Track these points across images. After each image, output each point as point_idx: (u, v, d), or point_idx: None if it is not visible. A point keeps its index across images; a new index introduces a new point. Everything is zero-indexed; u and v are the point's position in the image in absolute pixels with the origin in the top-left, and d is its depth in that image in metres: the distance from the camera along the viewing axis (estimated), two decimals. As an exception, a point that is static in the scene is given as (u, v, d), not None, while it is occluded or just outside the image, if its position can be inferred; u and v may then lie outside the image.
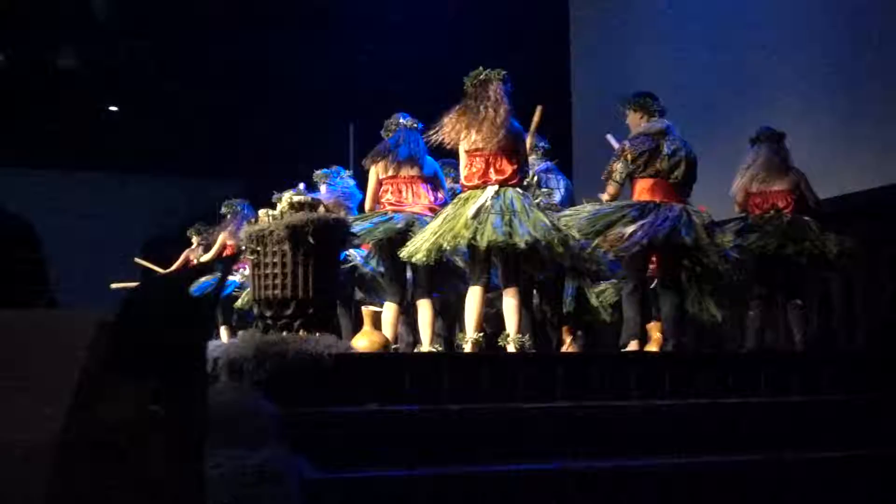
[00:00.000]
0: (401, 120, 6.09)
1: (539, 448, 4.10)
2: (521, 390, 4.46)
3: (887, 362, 5.48)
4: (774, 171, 6.38)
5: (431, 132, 5.51)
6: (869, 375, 5.27)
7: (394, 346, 5.78)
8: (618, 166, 5.69)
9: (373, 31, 10.34)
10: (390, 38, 10.31)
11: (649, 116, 5.82)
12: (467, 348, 5.27)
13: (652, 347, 6.51)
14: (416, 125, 6.08)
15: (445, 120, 5.45)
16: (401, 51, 10.33)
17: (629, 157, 5.68)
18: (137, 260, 9.72)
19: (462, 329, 6.04)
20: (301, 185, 7.11)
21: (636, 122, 5.85)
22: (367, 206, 6.14)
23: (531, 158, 6.34)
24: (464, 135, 5.38)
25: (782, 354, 6.04)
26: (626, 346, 5.62)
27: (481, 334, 5.36)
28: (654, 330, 6.71)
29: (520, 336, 5.31)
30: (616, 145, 6.10)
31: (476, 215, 5.17)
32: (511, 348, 5.27)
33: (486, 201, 5.22)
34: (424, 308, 5.77)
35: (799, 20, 8.31)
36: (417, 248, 5.29)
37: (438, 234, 5.24)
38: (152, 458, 1.68)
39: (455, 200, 5.45)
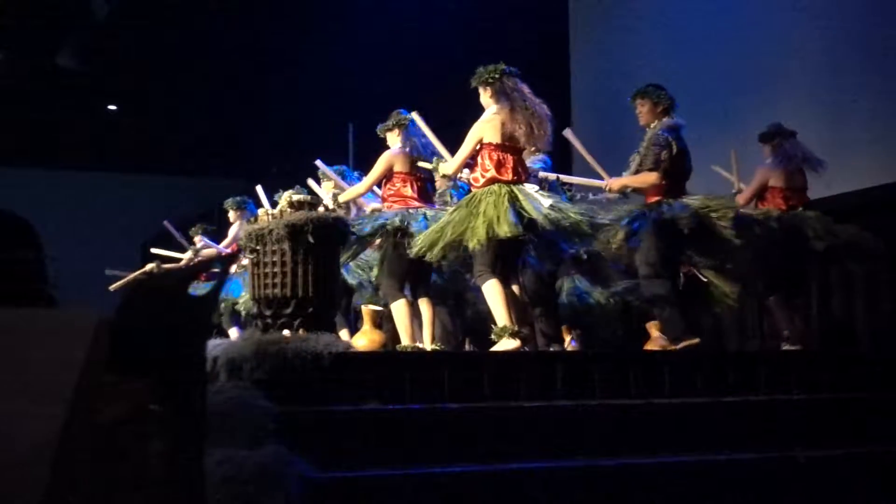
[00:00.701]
0: (405, 115, 6.09)
1: (540, 446, 4.10)
2: (522, 389, 4.45)
3: (888, 361, 5.49)
4: (804, 168, 6.36)
5: (491, 127, 5.28)
6: (870, 374, 5.27)
7: (418, 344, 5.71)
8: (666, 155, 5.55)
9: (373, 31, 10.33)
10: (390, 38, 10.31)
11: (670, 112, 5.69)
12: (513, 344, 5.05)
13: (652, 346, 6.51)
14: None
15: (505, 117, 5.24)
16: (401, 51, 10.33)
17: (674, 149, 5.56)
18: (109, 272, 9.53)
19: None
20: (258, 188, 7.17)
21: (654, 115, 5.66)
22: (363, 189, 6.12)
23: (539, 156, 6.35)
24: (512, 130, 5.24)
25: (783, 353, 6.03)
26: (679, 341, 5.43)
27: (524, 329, 5.25)
28: (653, 328, 6.71)
29: (508, 325, 5.27)
30: (575, 141, 5.90)
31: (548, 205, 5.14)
32: (506, 343, 5.23)
33: (540, 191, 5.23)
34: (425, 307, 5.76)
35: (801, 16, 8.30)
36: (470, 236, 5.06)
37: (490, 221, 5.04)
38: (151, 458, 1.68)
39: (489, 192, 5.17)
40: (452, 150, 5.57)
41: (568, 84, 11.19)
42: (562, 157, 7.01)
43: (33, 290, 1.92)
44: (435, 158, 5.72)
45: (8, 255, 1.91)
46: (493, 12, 10.33)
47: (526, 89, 5.35)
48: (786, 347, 6.16)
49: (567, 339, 7.32)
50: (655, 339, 6.54)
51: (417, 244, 5.28)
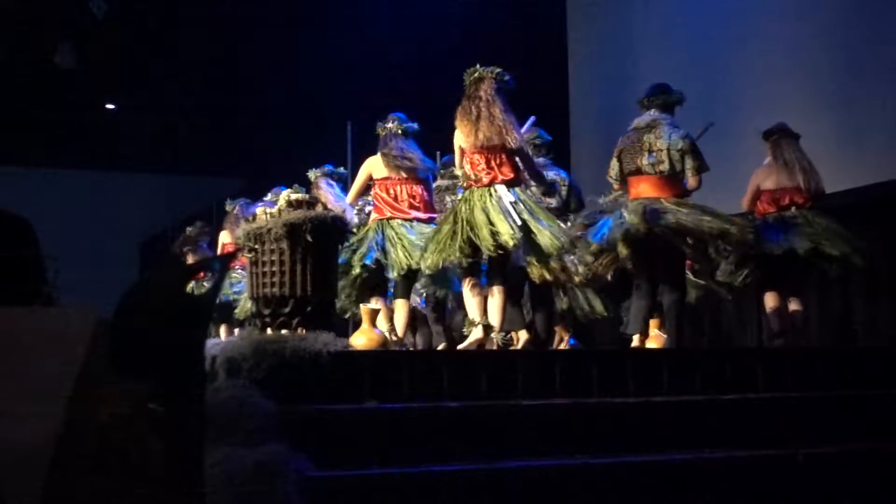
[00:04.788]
0: (388, 125, 6.14)
1: (538, 445, 4.11)
2: (520, 387, 4.46)
3: (887, 358, 5.49)
4: (791, 168, 6.36)
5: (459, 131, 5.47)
6: (869, 372, 5.27)
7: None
8: None
9: (372, 31, 10.33)
10: (390, 38, 10.31)
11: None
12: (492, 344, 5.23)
13: (651, 343, 6.51)
14: (402, 126, 6.10)
15: (460, 120, 5.44)
16: (401, 50, 10.33)
17: None
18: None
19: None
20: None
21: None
22: (349, 199, 6.42)
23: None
24: (466, 134, 5.37)
25: (781, 350, 6.03)
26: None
27: (507, 335, 5.39)
28: (653, 326, 6.71)
29: (502, 334, 5.31)
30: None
31: (510, 215, 5.18)
32: (493, 345, 5.26)
33: (513, 200, 5.24)
34: (401, 308, 5.96)
35: (803, 15, 8.29)
36: (441, 251, 5.27)
37: (461, 234, 5.21)
38: (151, 457, 1.68)
39: (464, 198, 5.40)
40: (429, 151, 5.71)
41: (566, 82, 11.19)
42: (562, 157, 7.01)
43: (32, 290, 1.93)
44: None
45: (6, 255, 1.92)
46: (492, 12, 10.33)
47: (482, 91, 5.37)
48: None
49: (565, 337, 7.34)
50: (654, 336, 6.54)
51: (426, 260, 5.40)
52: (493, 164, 5.35)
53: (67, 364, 1.50)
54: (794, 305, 6.37)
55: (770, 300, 6.40)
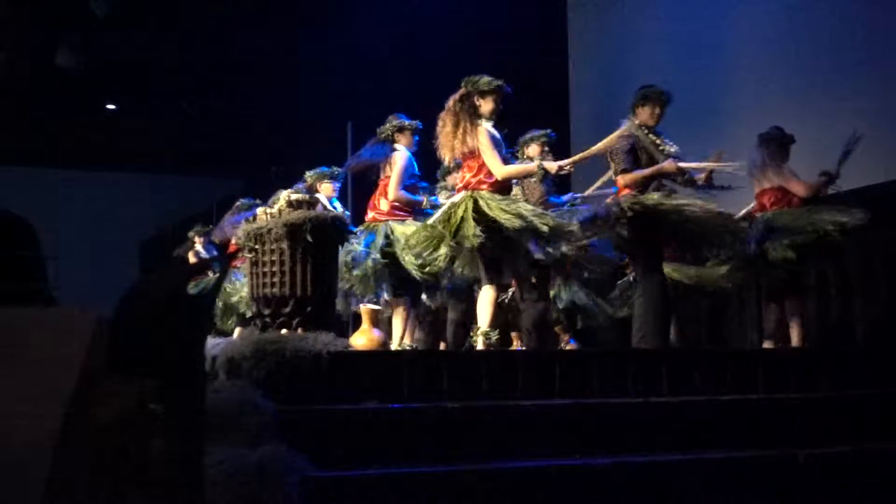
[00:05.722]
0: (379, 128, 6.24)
1: (538, 445, 4.11)
2: (521, 387, 4.46)
3: (886, 358, 5.49)
4: (753, 173, 6.40)
5: None
6: (868, 372, 5.27)
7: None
8: None
9: (372, 31, 10.33)
10: (390, 38, 10.31)
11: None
12: (479, 345, 5.24)
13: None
14: (387, 126, 6.17)
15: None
16: (401, 51, 10.33)
17: None
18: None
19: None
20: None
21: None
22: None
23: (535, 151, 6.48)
24: (444, 152, 5.47)
25: (781, 351, 6.04)
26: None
27: (495, 332, 5.36)
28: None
29: (489, 330, 5.30)
30: None
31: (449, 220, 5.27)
32: (479, 343, 5.26)
33: (455, 206, 5.28)
34: (395, 308, 6.11)
35: (799, 19, 8.31)
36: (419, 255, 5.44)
37: (427, 240, 5.36)
38: (151, 457, 1.68)
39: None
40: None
41: (566, 82, 11.20)
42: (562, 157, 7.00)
43: (32, 290, 1.93)
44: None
45: (7, 255, 1.92)
46: (493, 12, 10.33)
47: (447, 104, 5.42)
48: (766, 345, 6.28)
49: (565, 338, 7.34)
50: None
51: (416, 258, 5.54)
52: (462, 172, 5.45)
53: (67, 364, 1.50)
54: (791, 308, 6.37)
55: (769, 304, 6.47)
